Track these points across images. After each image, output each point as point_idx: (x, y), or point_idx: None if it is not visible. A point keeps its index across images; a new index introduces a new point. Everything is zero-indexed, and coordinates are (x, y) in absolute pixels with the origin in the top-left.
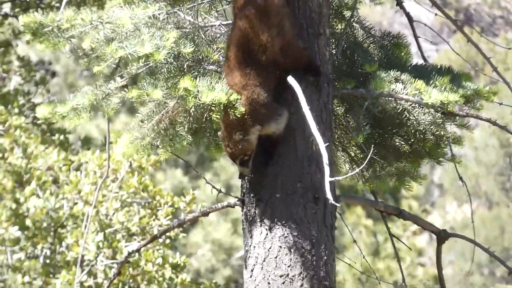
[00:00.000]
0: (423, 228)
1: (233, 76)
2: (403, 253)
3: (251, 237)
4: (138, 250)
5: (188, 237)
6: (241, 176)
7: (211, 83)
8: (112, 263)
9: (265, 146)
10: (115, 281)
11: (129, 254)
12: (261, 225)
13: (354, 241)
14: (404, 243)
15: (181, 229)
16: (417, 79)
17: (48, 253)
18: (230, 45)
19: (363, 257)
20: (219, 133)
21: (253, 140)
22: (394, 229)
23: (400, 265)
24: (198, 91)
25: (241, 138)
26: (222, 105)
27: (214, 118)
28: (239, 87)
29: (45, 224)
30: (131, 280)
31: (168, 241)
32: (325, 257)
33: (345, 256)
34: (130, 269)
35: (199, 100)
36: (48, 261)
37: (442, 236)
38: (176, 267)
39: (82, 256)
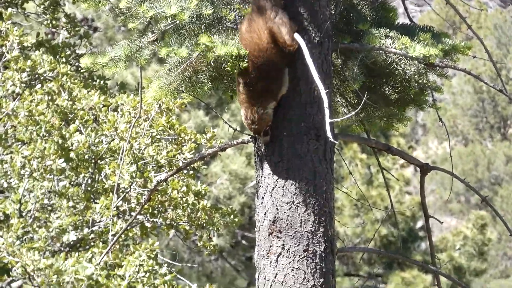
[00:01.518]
0: (409, 162)
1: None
2: (392, 183)
3: (261, 169)
4: (165, 180)
5: (209, 169)
6: (266, 143)
7: (225, 39)
8: (143, 190)
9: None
10: (146, 206)
11: (158, 183)
12: (270, 159)
13: (350, 173)
14: (392, 175)
15: (202, 161)
16: (403, 35)
17: (89, 181)
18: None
19: (358, 186)
20: (242, 119)
21: (271, 112)
22: (384, 162)
23: (389, 193)
24: (214, 46)
25: (261, 112)
26: (234, 57)
27: (228, 69)
28: (253, 82)
29: (86, 157)
30: (159, 205)
31: (191, 172)
32: (325, 187)
33: (343, 186)
34: (159, 196)
35: (214, 53)
36: (89, 188)
37: (425, 168)
38: (198, 194)
39: (118, 184)
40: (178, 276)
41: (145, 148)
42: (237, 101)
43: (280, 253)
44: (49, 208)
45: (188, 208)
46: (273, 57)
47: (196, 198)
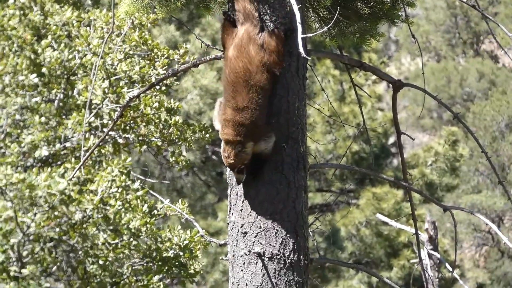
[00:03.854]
0: (381, 78)
1: (236, 99)
2: (365, 100)
3: None
4: (138, 96)
5: (180, 84)
6: (238, 182)
7: None
8: (116, 106)
9: (255, 162)
10: (118, 122)
11: (131, 99)
12: None
13: (323, 89)
14: (365, 91)
15: (175, 77)
16: None
17: (62, 97)
18: (229, 72)
19: (330, 103)
20: (221, 150)
21: (249, 151)
22: (357, 78)
23: (362, 110)
24: None
25: (239, 150)
26: None
27: None
28: (240, 107)
29: (59, 72)
30: (132, 122)
31: (164, 88)
32: (297, 103)
33: (315, 102)
34: (131, 112)
35: None
36: (61, 104)
37: (397, 85)
38: (170, 110)
39: (90, 100)
40: (150, 191)
41: (117, 64)
42: (216, 111)
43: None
44: (21, 124)
45: (160, 124)
46: (263, 81)
47: (168, 114)
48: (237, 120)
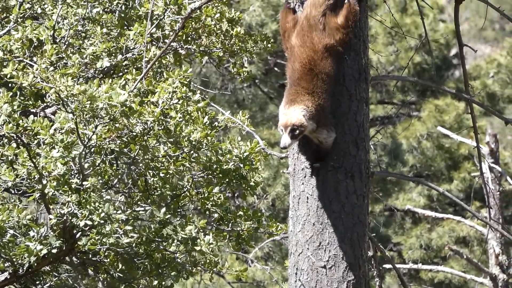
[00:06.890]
0: None
1: (302, 84)
2: (427, 11)
3: None
4: (200, 7)
5: None
6: (282, 144)
7: None
8: (177, 18)
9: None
10: (180, 33)
11: (192, 10)
12: None
13: (384, 1)
14: (427, 3)
15: None
16: None
17: (123, 8)
18: (293, 60)
19: (392, 14)
20: (279, 111)
21: (312, 124)
22: None
23: (423, 21)
24: None
25: (303, 114)
26: None
27: None
28: (308, 91)
29: None
30: (193, 32)
31: None
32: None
33: (377, 13)
34: (193, 23)
35: None
36: (123, 15)
37: None
38: (232, 21)
39: (152, 11)
40: (211, 103)
41: None
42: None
43: None
44: (83, 34)
45: (222, 35)
46: (328, 67)
47: (229, 24)
48: (304, 98)
